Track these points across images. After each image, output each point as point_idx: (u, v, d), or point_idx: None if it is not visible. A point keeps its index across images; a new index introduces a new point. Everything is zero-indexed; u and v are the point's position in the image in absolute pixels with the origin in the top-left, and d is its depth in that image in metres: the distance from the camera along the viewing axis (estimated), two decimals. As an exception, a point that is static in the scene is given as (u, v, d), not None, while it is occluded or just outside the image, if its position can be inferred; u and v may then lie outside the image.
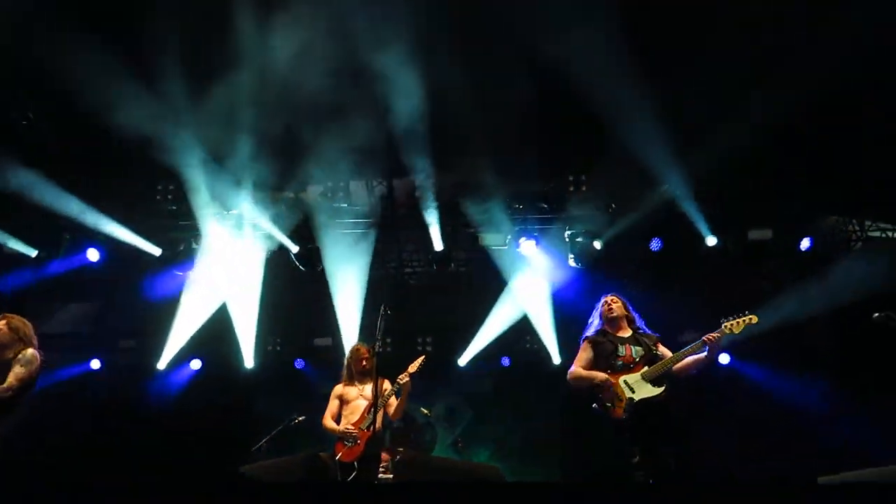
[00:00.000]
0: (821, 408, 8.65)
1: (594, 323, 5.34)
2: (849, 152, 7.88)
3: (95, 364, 10.16)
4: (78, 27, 6.46)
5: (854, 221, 9.39)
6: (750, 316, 4.80)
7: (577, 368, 5.12)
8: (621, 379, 4.88)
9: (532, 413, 10.21)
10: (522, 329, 9.90)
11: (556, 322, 9.80)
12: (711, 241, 8.83)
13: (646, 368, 4.89)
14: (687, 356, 4.87)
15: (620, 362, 4.95)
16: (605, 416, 4.88)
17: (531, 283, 9.69)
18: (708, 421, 8.48)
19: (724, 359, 9.77)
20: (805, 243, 8.91)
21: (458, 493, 2.54)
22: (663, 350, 5.07)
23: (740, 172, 8.44)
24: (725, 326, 4.81)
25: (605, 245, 9.00)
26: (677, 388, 5.00)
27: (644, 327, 5.27)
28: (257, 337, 9.85)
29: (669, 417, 4.81)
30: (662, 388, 4.79)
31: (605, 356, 5.05)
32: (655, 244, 8.95)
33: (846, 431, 8.09)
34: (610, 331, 5.22)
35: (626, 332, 5.18)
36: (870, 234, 9.34)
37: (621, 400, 4.79)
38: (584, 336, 5.30)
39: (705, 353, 4.83)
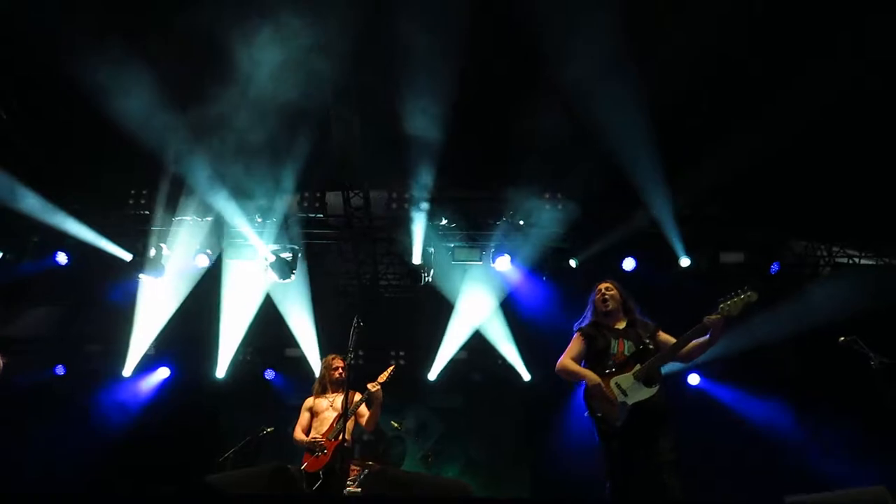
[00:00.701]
0: (788, 430, 8.78)
1: (587, 314, 4.87)
2: (821, 180, 8.05)
3: (60, 370, 9.97)
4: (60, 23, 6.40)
5: (822, 247, 9.60)
6: (749, 293, 4.30)
7: (566, 360, 4.67)
8: (612, 381, 4.43)
9: (502, 429, 10.20)
10: (493, 345, 9.92)
11: (526, 339, 9.85)
12: (685, 262, 8.94)
13: (638, 367, 4.42)
14: (688, 343, 4.42)
15: (612, 361, 4.52)
16: (598, 425, 4.43)
17: (502, 299, 9.73)
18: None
19: (693, 379, 9.89)
20: (774, 267, 9.09)
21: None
22: (664, 338, 4.58)
23: (717, 196, 8.61)
24: (723, 308, 4.31)
25: (579, 263, 9.07)
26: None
27: (642, 316, 4.82)
28: (229, 346, 9.73)
29: (666, 426, 4.33)
30: (655, 389, 4.35)
31: (596, 353, 4.62)
32: (630, 263, 9.04)
33: (813, 454, 8.21)
34: (603, 322, 4.75)
35: (622, 324, 4.73)
36: (837, 259, 9.55)
37: (613, 405, 4.36)
38: (577, 327, 4.86)
39: (707, 337, 4.37)
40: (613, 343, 4.58)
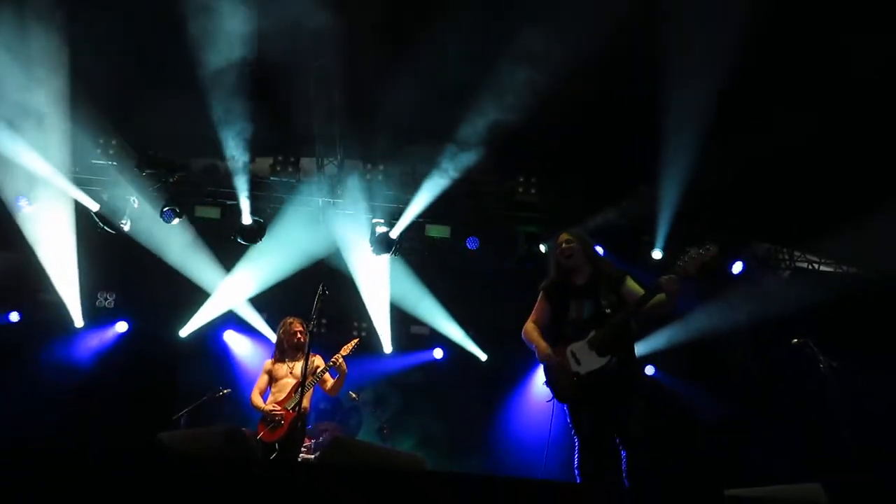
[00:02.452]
0: (732, 424, 9.01)
1: (552, 269, 4.40)
2: (788, 183, 8.20)
3: (14, 317, 9.78)
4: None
5: (784, 250, 9.82)
6: (707, 248, 3.91)
7: (529, 324, 4.29)
8: (568, 349, 4.01)
9: (459, 406, 10.30)
10: (451, 323, 9.97)
11: (484, 319, 9.93)
12: (657, 254, 9.04)
13: (593, 333, 3.99)
14: (644, 304, 3.97)
15: (570, 326, 4.09)
16: (555, 397, 4.10)
17: (467, 277, 9.78)
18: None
19: (648, 370, 10.09)
20: (738, 267, 9.25)
21: (379, 478, 2.54)
22: (631, 288, 4.13)
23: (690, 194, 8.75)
24: (679, 267, 3.94)
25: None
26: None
27: (610, 262, 4.37)
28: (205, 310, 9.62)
29: (625, 398, 3.94)
30: (607, 358, 3.89)
31: (555, 315, 4.22)
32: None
33: (755, 449, 8.45)
34: (565, 281, 4.28)
35: (584, 279, 4.23)
36: (797, 264, 9.78)
37: (566, 376, 3.97)
38: (542, 285, 4.41)
39: (667, 295, 3.94)
40: (572, 305, 4.14)
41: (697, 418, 9.42)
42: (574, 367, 3.95)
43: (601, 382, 3.90)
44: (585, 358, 3.94)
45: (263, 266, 9.42)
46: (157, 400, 9.23)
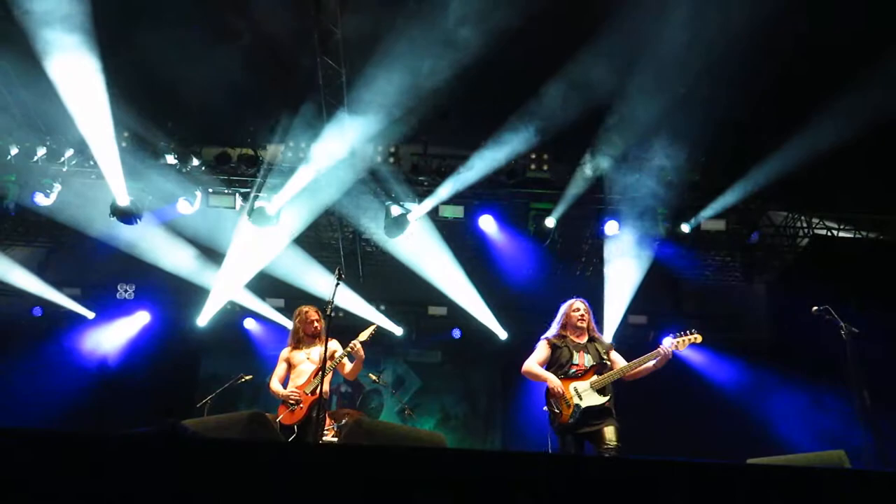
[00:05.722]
0: (755, 393, 8.99)
1: (556, 325, 5.47)
2: (802, 150, 8.07)
3: (38, 311, 9.96)
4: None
5: (802, 218, 9.69)
6: (694, 335, 5.20)
7: (532, 363, 5.34)
8: (571, 385, 5.14)
9: (477, 386, 10.37)
10: (472, 303, 10.00)
11: (506, 298, 9.94)
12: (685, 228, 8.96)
13: (595, 378, 5.15)
14: (637, 367, 5.19)
15: (573, 370, 5.21)
16: (553, 418, 5.17)
17: (487, 257, 9.76)
18: (643, 399, 8.75)
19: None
20: (753, 236, 9.18)
21: (401, 457, 2.56)
22: (614, 357, 5.34)
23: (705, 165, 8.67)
24: (672, 343, 5.17)
25: (558, 223, 9.03)
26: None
27: (599, 334, 5.51)
28: (217, 297, 9.70)
29: (612, 422, 5.05)
30: (607, 398, 5.08)
31: (559, 361, 5.29)
32: (612, 228, 9.08)
33: (779, 418, 8.43)
34: (569, 335, 5.40)
35: (583, 339, 5.40)
36: (816, 231, 9.66)
37: (569, 406, 5.07)
38: (545, 336, 5.47)
39: (654, 363, 5.17)
40: (576, 355, 5.27)
41: (719, 388, 9.42)
42: (576, 399, 5.07)
43: (594, 412, 5.05)
44: (587, 395, 5.07)
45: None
46: (181, 388, 9.39)
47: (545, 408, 5.26)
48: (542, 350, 5.42)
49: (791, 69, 6.99)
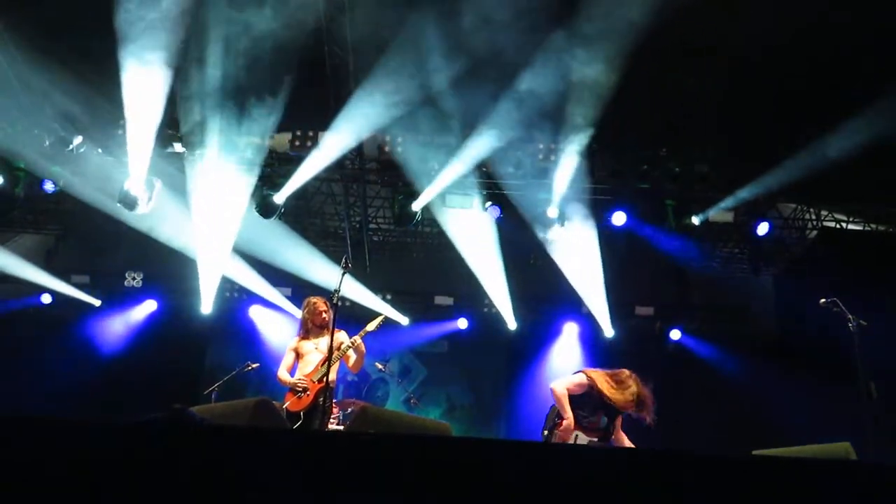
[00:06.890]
0: (760, 385, 8.97)
1: (605, 379, 5.55)
2: (811, 141, 8.01)
3: (46, 298, 10.01)
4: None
5: (811, 210, 9.63)
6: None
7: (564, 391, 5.47)
8: (577, 431, 5.48)
9: (483, 376, 10.38)
10: (481, 292, 9.99)
11: (515, 288, 9.92)
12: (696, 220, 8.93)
13: (596, 439, 5.53)
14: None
15: (586, 423, 5.51)
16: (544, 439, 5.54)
17: (493, 247, 9.74)
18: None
19: (674, 334, 10.06)
20: (763, 228, 9.10)
21: (407, 444, 2.57)
22: (620, 434, 5.67)
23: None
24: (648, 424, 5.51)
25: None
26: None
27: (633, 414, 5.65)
28: (212, 282, 9.67)
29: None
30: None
31: (583, 408, 5.50)
32: (619, 219, 9.07)
33: (783, 410, 8.41)
34: (606, 396, 5.49)
35: (615, 406, 5.56)
36: (825, 223, 9.61)
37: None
38: (588, 374, 5.58)
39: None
40: (596, 414, 5.55)
41: (723, 381, 9.40)
42: (573, 440, 5.45)
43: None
44: (583, 441, 5.49)
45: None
46: (188, 376, 9.44)
47: (545, 432, 5.56)
48: (576, 386, 5.52)
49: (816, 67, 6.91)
